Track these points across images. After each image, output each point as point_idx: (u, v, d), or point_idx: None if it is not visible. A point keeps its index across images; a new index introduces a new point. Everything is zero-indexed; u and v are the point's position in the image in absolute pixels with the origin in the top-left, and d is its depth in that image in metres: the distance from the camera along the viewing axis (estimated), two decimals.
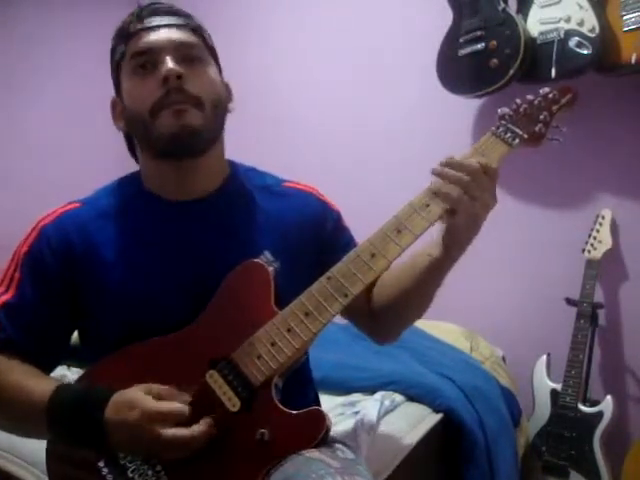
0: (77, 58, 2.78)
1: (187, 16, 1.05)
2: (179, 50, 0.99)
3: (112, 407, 0.89)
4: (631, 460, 1.76)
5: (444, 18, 1.97)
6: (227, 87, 1.11)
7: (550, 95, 1.02)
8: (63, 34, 2.75)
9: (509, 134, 0.98)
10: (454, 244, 0.96)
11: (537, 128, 1.00)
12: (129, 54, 1.00)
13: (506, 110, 1.00)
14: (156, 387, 0.90)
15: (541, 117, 1.00)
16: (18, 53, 2.61)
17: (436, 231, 0.97)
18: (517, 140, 0.98)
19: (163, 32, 1.00)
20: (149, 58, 0.99)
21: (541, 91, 1.02)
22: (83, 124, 2.73)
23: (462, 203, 0.90)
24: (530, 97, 1.02)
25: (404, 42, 2.27)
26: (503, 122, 0.99)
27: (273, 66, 2.59)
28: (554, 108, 1.01)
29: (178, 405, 0.88)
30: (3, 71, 2.56)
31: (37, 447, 1.34)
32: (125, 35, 1.02)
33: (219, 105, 1.03)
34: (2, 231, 2.41)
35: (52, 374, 1.05)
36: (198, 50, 1.02)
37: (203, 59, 1.03)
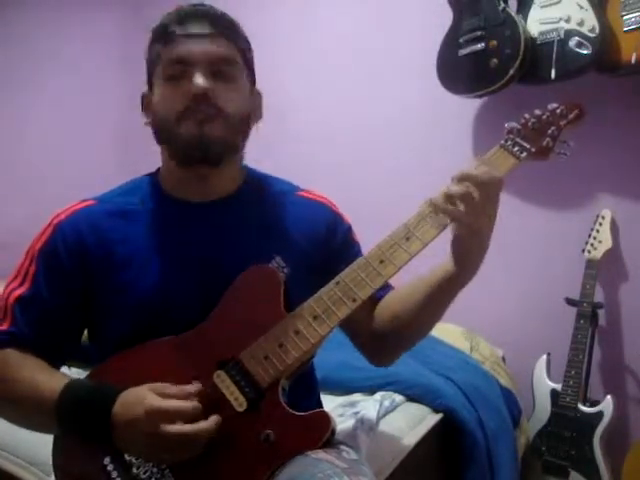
0: (78, 58, 2.77)
1: (229, 25, 1.05)
2: (213, 64, 1.00)
3: (120, 404, 0.89)
4: (631, 460, 1.76)
5: (444, 18, 1.97)
6: (257, 98, 1.12)
7: (558, 110, 1.03)
8: (63, 34, 2.75)
9: (517, 147, 1.00)
10: (464, 257, 0.97)
11: (545, 142, 1.01)
12: (165, 59, 1.01)
13: (514, 124, 1.02)
14: (163, 386, 0.90)
15: (549, 132, 1.01)
16: (18, 53, 2.60)
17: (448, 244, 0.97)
18: (525, 153, 1.00)
19: (201, 43, 1.00)
20: (183, 68, 0.99)
21: (549, 106, 1.03)
22: (84, 124, 2.72)
23: (464, 217, 0.91)
24: (538, 112, 1.03)
25: (404, 42, 2.27)
26: (511, 136, 1.01)
27: (273, 66, 2.58)
28: (562, 123, 1.03)
29: (183, 403, 0.88)
30: (3, 71, 2.55)
31: (37, 447, 1.35)
32: (164, 36, 1.01)
33: (244, 121, 1.05)
34: (1, 231, 2.42)
35: None
36: (231, 66, 1.03)
37: (235, 75, 1.03)
